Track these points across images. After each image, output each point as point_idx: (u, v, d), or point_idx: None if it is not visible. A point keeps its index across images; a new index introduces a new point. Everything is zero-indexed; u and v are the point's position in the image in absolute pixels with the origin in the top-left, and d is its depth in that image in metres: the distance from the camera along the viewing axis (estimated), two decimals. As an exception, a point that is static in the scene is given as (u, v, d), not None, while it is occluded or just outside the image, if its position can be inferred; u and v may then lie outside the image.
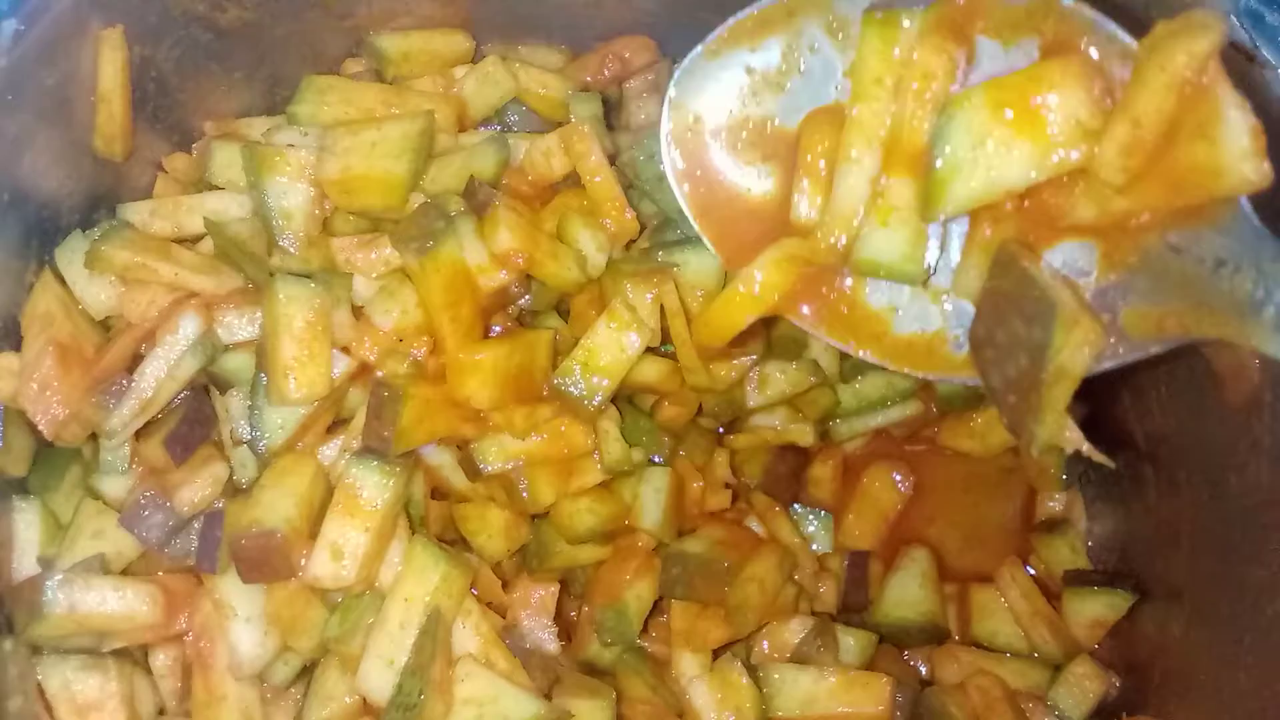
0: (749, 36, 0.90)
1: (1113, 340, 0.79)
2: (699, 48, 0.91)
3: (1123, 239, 0.77)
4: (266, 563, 0.88)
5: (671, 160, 0.92)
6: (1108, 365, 0.79)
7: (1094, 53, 0.76)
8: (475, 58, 1.18)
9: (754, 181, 0.92)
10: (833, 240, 0.85)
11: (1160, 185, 0.72)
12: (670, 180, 0.92)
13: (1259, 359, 0.86)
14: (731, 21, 0.90)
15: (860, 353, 0.90)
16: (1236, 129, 0.67)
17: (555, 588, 1.04)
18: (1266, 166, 0.67)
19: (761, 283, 0.87)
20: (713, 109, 0.92)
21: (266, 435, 0.93)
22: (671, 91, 0.91)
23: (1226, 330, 0.72)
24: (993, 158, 0.75)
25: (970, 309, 0.85)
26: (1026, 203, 0.79)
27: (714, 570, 1.04)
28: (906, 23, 0.80)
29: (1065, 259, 0.81)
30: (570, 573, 1.09)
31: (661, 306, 1.03)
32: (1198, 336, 0.75)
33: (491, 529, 1.04)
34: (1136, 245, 0.77)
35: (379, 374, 0.95)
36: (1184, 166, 0.70)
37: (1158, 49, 0.70)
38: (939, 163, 0.77)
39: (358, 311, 0.99)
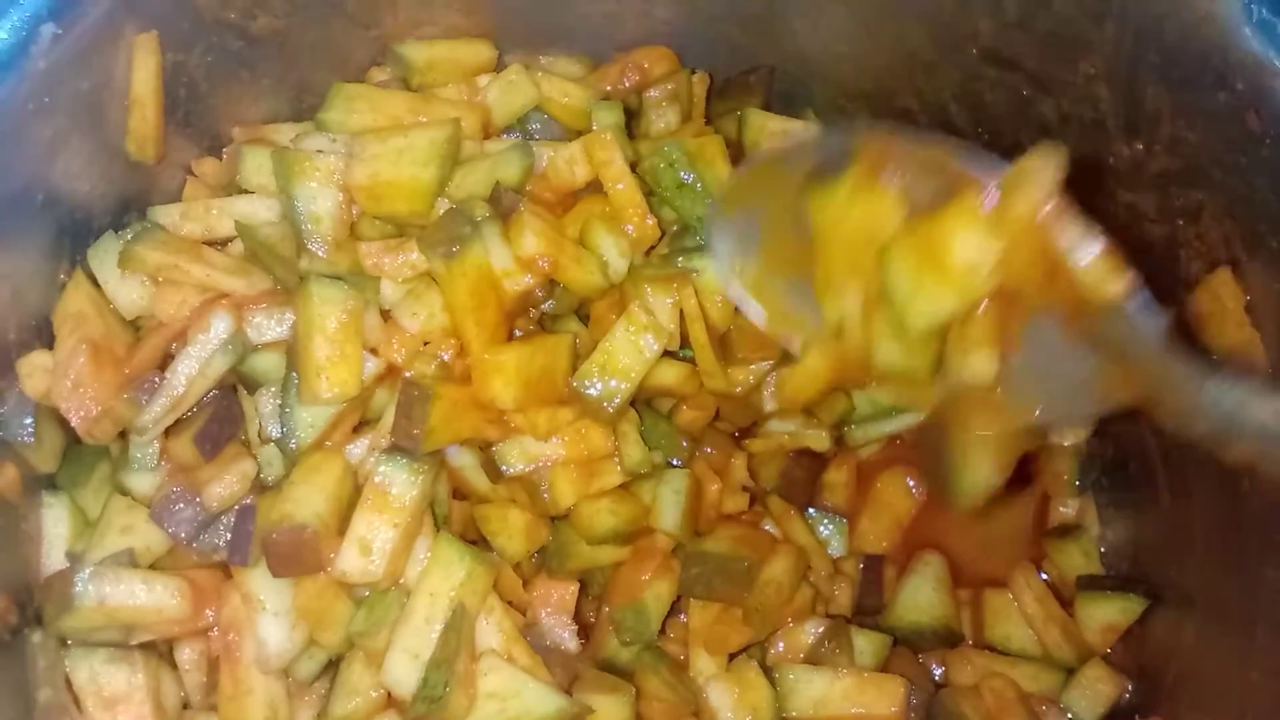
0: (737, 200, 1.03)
1: (1072, 404, 0.87)
2: (709, 214, 1.06)
3: (1077, 318, 0.82)
4: (297, 557, 0.90)
5: (737, 293, 1.02)
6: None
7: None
8: (497, 67, 1.20)
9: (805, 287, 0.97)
10: (854, 345, 0.94)
11: (1065, 293, 0.78)
12: (743, 308, 1.03)
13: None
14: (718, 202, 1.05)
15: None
16: (1087, 258, 0.75)
17: (575, 587, 1.06)
18: (1124, 281, 0.74)
19: (811, 372, 0.99)
20: (743, 249, 1.01)
21: (297, 433, 0.95)
22: (709, 251, 1.05)
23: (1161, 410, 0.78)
24: (928, 293, 0.83)
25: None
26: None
27: (734, 571, 1.06)
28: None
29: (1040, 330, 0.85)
30: (589, 574, 1.10)
31: (681, 311, 1.05)
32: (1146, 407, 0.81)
33: (512, 529, 1.05)
34: (1085, 327, 0.82)
35: (408, 374, 0.97)
36: (1069, 284, 0.77)
37: (1004, 198, 0.78)
38: (894, 298, 0.85)
39: (385, 315, 1.01)
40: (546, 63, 1.22)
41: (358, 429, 1.02)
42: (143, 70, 1.01)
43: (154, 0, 0.99)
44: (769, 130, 1.20)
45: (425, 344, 1.00)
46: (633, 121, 1.20)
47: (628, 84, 1.21)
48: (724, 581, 1.06)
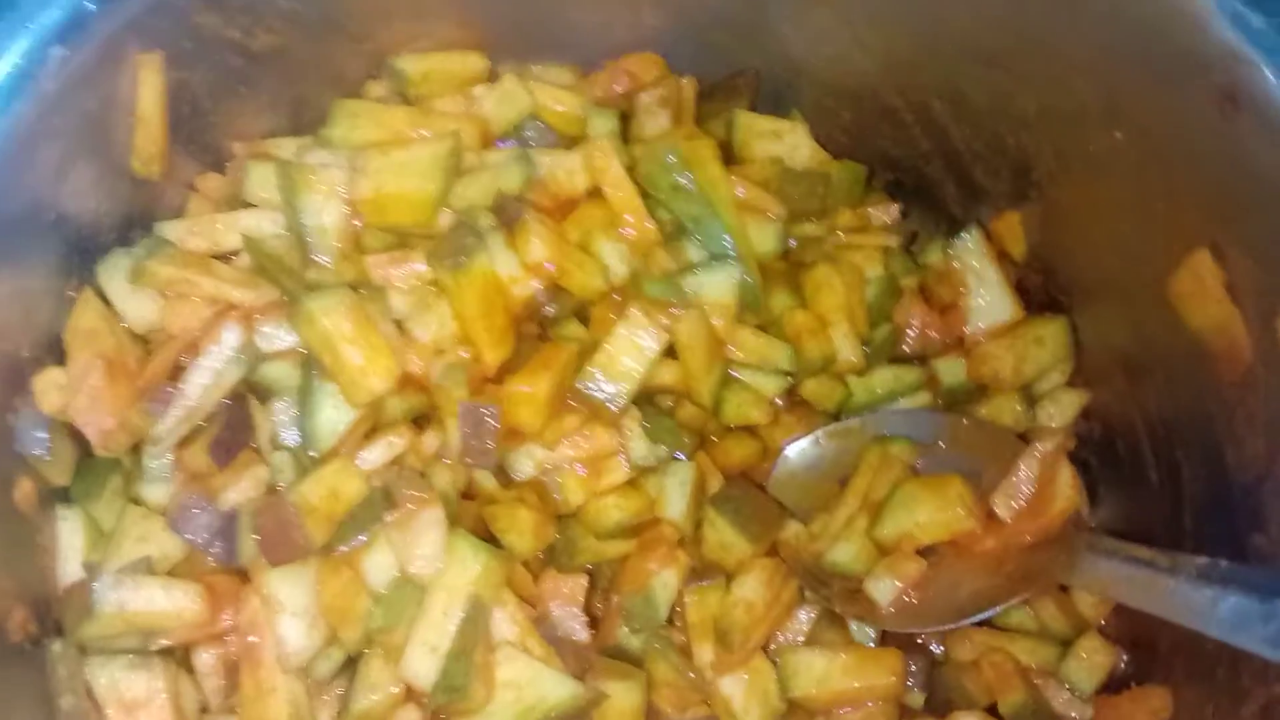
0: None
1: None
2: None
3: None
4: (285, 537, 0.92)
5: None
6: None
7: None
8: (490, 78, 1.22)
9: None
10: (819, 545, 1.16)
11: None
12: None
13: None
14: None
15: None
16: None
17: (584, 580, 1.08)
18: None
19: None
20: None
21: (318, 440, 0.97)
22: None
23: None
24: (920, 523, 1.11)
25: None
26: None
27: (765, 511, 1.13)
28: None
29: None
30: (596, 567, 1.12)
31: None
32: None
33: (521, 528, 1.07)
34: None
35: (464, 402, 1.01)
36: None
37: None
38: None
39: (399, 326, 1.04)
40: (538, 72, 1.24)
41: (368, 436, 1.04)
42: (148, 89, 1.03)
43: (158, 20, 1.01)
44: (757, 130, 1.23)
45: (439, 352, 1.02)
46: (624, 126, 1.23)
47: (618, 90, 1.24)
48: (752, 514, 1.10)
